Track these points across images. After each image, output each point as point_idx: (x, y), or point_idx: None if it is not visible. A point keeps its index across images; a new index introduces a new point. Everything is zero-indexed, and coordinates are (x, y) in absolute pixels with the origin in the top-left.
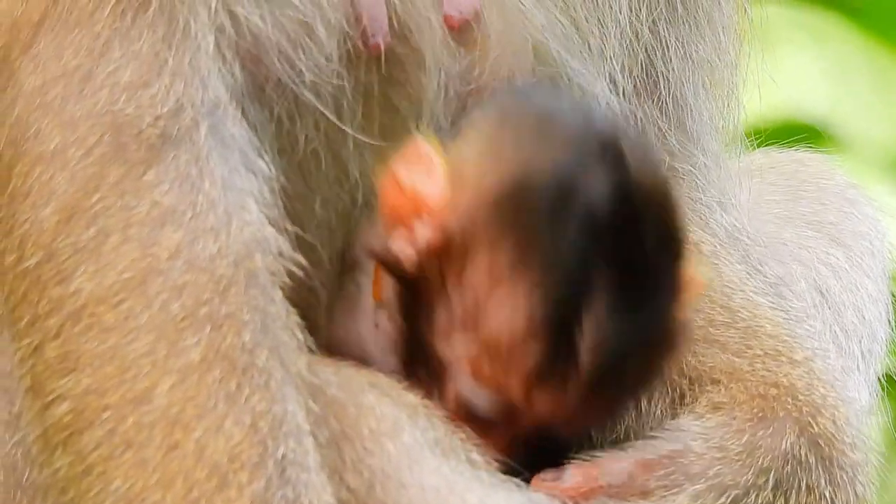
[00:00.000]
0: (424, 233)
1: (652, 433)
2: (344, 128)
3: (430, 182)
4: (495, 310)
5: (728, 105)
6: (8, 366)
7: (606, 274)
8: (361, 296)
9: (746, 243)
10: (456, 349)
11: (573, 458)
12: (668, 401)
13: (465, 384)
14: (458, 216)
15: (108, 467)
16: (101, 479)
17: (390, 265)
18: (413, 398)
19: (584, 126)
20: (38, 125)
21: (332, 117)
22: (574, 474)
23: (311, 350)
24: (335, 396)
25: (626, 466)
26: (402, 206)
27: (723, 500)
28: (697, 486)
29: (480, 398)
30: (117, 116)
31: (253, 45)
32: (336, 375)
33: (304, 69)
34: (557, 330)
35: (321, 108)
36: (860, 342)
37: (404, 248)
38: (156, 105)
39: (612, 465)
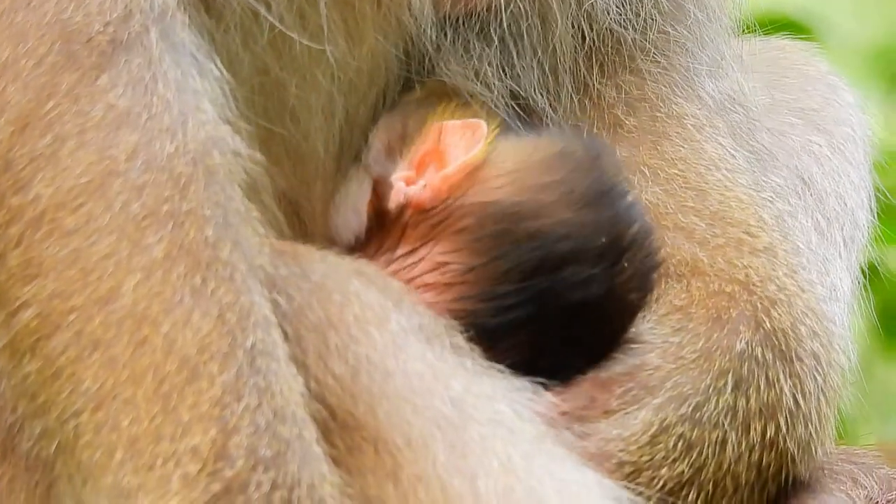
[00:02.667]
0: (421, 190)
1: None
2: (288, 33)
3: (460, 156)
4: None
5: None
6: None
7: (525, 340)
8: (360, 199)
9: (737, 112)
10: None
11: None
12: None
13: None
14: (454, 199)
15: (78, 369)
16: (71, 380)
17: (378, 191)
18: (398, 285)
19: (608, 216)
20: None
21: (279, 24)
22: (536, 402)
23: (302, 239)
24: (320, 283)
25: (587, 389)
26: (429, 155)
27: (684, 409)
28: (658, 400)
29: None
30: (66, 25)
31: None
32: (322, 263)
33: None
34: None
35: (272, 20)
36: (842, 229)
37: (400, 188)
38: (104, 12)
39: (573, 390)
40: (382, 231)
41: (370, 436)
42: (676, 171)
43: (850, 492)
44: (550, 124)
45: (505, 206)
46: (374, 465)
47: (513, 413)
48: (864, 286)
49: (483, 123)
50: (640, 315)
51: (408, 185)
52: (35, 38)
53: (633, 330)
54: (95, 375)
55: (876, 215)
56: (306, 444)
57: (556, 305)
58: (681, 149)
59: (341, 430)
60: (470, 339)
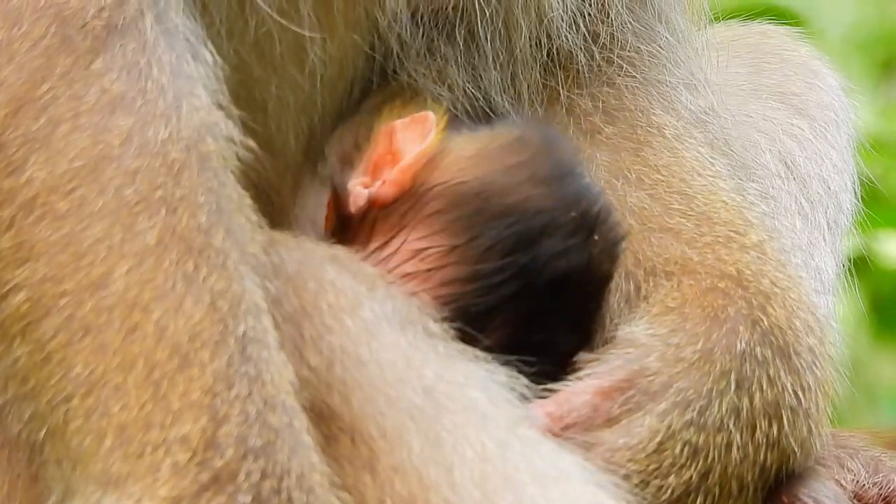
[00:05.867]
0: (382, 187)
1: (606, 347)
2: (287, 24)
3: (415, 148)
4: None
5: None
6: None
7: (512, 317)
8: (317, 212)
9: (713, 125)
10: None
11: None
12: (623, 293)
13: None
14: (418, 187)
15: (68, 354)
16: (61, 366)
17: (339, 199)
18: (372, 270)
19: (574, 192)
20: None
21: (275, 14)
22: (540, 417)
23: (272, 227)
24: (295, 272)
25: (588, 398)
26: (382, 157)
27: (689, 414)
28: (662, 406)
29: None
30: (62, 9)
31: None
32: (296, 250)
33: None
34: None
35: (264, 7)
36: (826, 212)
37: (359, 192)
38: None
39: (574, 400)
40: (349, 235)
41: (346, 426)
42: (660, 177)
43: (837, 476)
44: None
45: (473, 187)
46: (350, 455)
47: (486, 399)
48: (852, 273)
49: (431, 114)
50: (608, 287)
51: (365, 188)
52: (30, 22)
53: (627, 330)
54: (86, 361)
55: (863, 201)
56: (296, 433)
57: (541, 279)
58: (662, 156)
59: (318, 419)
60: (454, 322)
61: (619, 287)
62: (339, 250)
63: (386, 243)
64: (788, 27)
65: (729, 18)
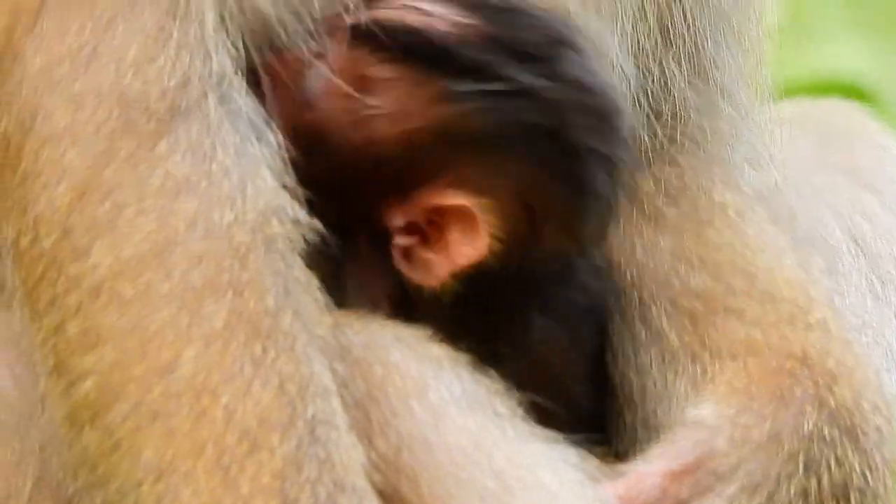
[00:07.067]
0: None
1: (674, 428)
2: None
3: None
4: None
5: (757, 56)
6: (29, 348)
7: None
8: None
9: (778, 200)
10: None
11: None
12: (690, 376)
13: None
14: None
15: (137, 440)
16: (130, 452)
17: None
18: (438, 350)
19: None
20: (46, 105)
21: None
22: (611, 499)
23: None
24: (362, 356)
25: (658, 481)
26: None
27: (758, 498)
28: (730, 489)
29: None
30: (125, 92)
31: (254, 18)
32: (362, 333)
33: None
34: None
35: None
36: None
37: None
38: (163, 78)
39: (644, 482)
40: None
41: None
42: (723, 257)
43: None
44: None
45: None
46: None
47: (557, 481)
48: None
49: None
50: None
51: None
52: (93, 106)
53: (695, 413)
54: (155, 447)
55: None
56: None
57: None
58: (725, 235)
59: (387, 503)
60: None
61: (685, 370)
62: (405, 331)
63: None
64: (856, 103)
65: (796, 96)
